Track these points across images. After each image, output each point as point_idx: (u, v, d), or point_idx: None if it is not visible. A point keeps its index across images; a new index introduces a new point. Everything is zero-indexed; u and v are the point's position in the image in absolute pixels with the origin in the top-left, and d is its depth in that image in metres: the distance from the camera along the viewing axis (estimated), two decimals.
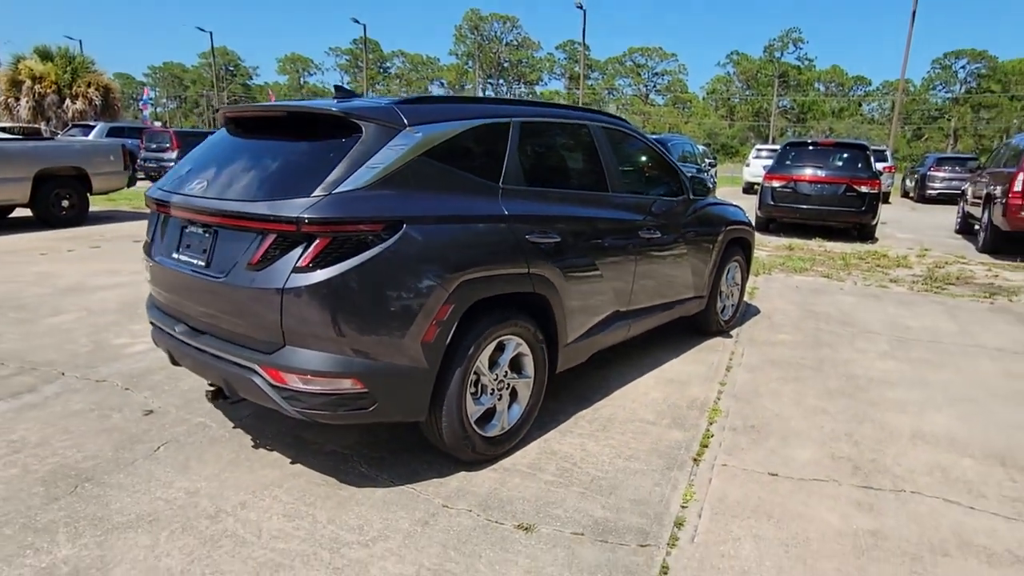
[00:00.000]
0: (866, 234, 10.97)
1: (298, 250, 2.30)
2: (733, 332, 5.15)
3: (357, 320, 2.34)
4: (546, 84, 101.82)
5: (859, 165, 10.54)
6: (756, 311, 5.83)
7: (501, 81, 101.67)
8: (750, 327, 5.34)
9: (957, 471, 2.96)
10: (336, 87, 3.03)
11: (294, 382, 2.36)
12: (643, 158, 4.17)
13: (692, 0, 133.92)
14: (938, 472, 2.95)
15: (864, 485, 2.81)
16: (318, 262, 2.28)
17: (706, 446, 3.14)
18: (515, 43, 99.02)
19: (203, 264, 2.56)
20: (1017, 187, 8.73)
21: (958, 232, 12.55)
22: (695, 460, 3.00)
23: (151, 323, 3.04)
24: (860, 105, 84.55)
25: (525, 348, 2.98)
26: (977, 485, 2.84)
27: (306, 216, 2.25)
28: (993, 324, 5.69)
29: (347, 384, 2.38)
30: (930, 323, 5.64)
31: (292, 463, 2.88)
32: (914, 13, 24.02)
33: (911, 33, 24.11)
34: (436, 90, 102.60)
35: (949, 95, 75.22)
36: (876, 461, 3.04)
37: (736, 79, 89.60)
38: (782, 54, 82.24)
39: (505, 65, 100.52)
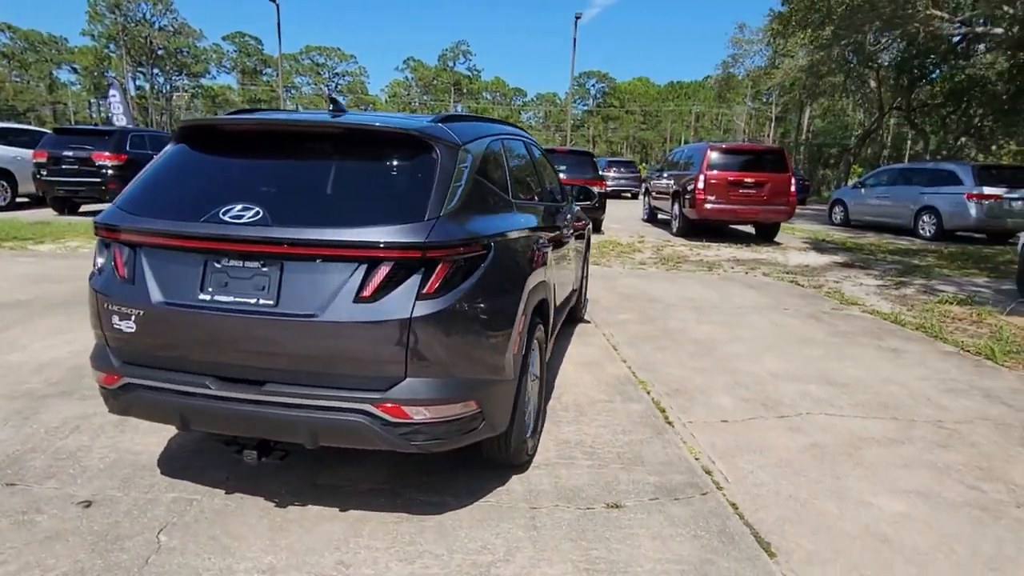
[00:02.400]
0: (597, 226, 13.13)
1: (416, 277, 2.20)
2: (587, 317, 5.95)
3: (476, 340, 2.34)
4: (214, 78, 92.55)
5: (589, 168, 12.55)
6: (584, 298, 6.76)
7: (156, 71, 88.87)
8: (592, 311, 6.22)
9: (814, 394, 4.16)
10: (331, 99, 2.79)
11: (419, 414, 2.24)
12: (548, 168, 4.61)
13: (369, 4, 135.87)
14: (808, 398, 4.09)
15: (780, 416, 3.78)
16: (442, 287, 2.22)
17: (663, 410, 3.79)
18: (171, 29, 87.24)
19: (271, 303, 2.20)
20: (700, 185, 11.53)
21: (646, 221, 15.80)
22: (668, 423, 3.62)
23: (132, 384, 2.39)
24: (520, 114, 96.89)
25: (537, 349, 3.21)
26: (831, 400, 4.05)
27: (431, 241, 2.18)
28: (731, 289, 7.61)
29: (462, 407, 2.35)
30: (699, 294, 7.28)
31: (343, 511, 2.63)
32: (575, 40, 28.86)
33: (574, 58, 28.88)
34: (66, 76, 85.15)
35: (586, 108, 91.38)
36: (769, 397, 4.07)
37: (415, 84, 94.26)
38: (454, 63, 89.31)
39: (160, 53, 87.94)
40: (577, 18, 28.31)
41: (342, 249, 2.17)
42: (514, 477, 2.94)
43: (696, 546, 2.47)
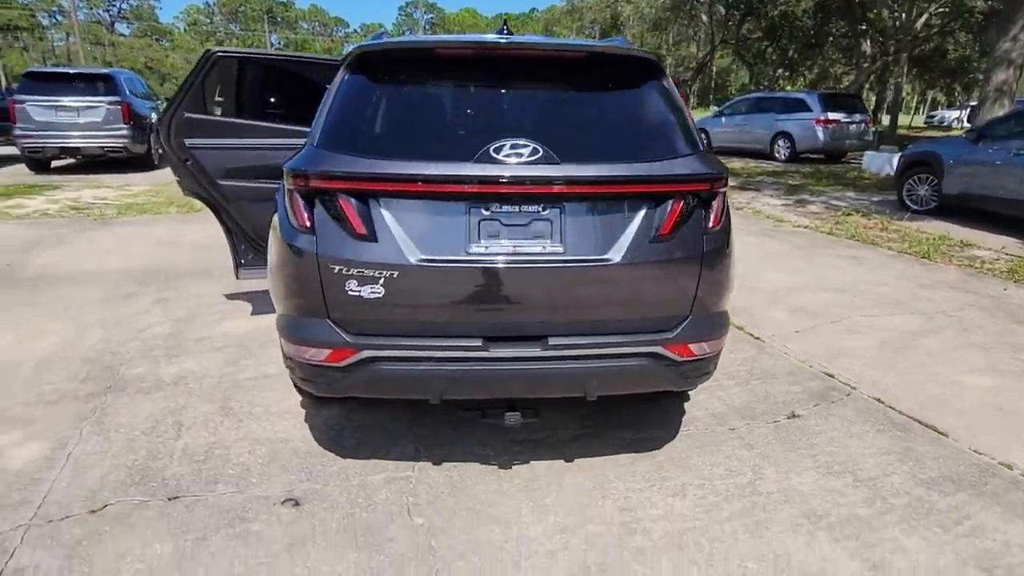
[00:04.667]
0: None
1: (700, 211, 2.14)
2: None
3: (731, 271, 2.34)
4: None
5: None
6: None
7: None
8: None
9: (835, 301, 4.68)
10: (504, 22, 2.49)
11: (701, 350, 2.22)
12: None
13: None
14: (834, 305, 4.59)
15: (832, 322, 4.23)
16: (718, 220, 2.19)
17: (741, 328, 4.05)
18: None
19: (558, 249, 2.01)
20: None
21: None
22: (758, 340, 3.89)
23: (374, 359, 2.05)
24: (343, 46, 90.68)
25: None
26: (852, 304, 4.60)
27: (715, 173, 2.12)
28: None
29: (724, 338, 2.36)
30: None
31: (569, 461, 2.56)
32: None
33: None
34: None
35: None
36: (803, 308, 4.51)
37: (218, 12, 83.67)
38: None
39: None
40: None
41: (636, 186, 2.03)
42: (684, 405, 3.03)
43: (888, 438, 2.77)
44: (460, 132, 2.07)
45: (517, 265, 2.00)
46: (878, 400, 3.12)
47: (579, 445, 2.66)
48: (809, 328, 4.09)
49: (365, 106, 2.13)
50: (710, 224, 2.15)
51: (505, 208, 2.01)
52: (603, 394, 2.24)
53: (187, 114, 3.38)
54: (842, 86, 27.81)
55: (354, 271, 1.99)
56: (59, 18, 78.46)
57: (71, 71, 10.59)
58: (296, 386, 2.66)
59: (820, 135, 14.19)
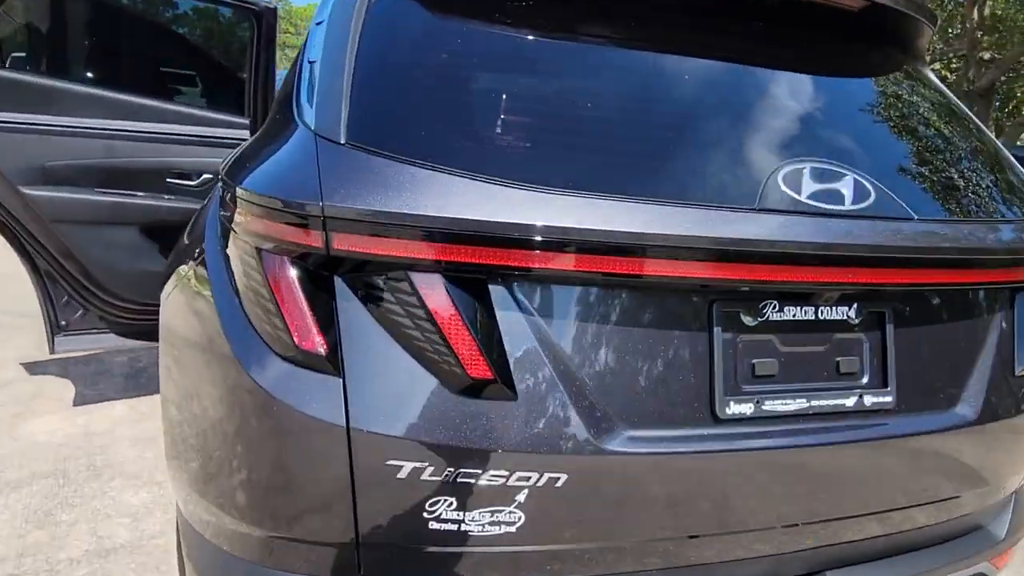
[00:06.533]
0: None
1: None
2: None
3: None
4: None
5: None
6: None
7: None
8: None
9: None
10: None
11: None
12: None
13: None
14: None
15: None
16: None
17: None
18: None
19: (885, 400, 0.93)
20: None
21: None
22: None
23: None
24: None
25: None
26: None
27: None
28: None
29: None
30: None
31: None
32: None
33: None
34: None
35: None
36: None
37: None
38: None
39: None
40: None
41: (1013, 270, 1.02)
42: None
43: None
44: (684, 139, 0.92)
45: (812, 443, 0.89)
46: None
47: None
48: None
49: (457, 68, 0.91)
50: None
51: (789, 312, 0.89)
52: None
53: None
54: None
55: (448, 473, 0.75)
56: None
57: None
58: None
59: None
